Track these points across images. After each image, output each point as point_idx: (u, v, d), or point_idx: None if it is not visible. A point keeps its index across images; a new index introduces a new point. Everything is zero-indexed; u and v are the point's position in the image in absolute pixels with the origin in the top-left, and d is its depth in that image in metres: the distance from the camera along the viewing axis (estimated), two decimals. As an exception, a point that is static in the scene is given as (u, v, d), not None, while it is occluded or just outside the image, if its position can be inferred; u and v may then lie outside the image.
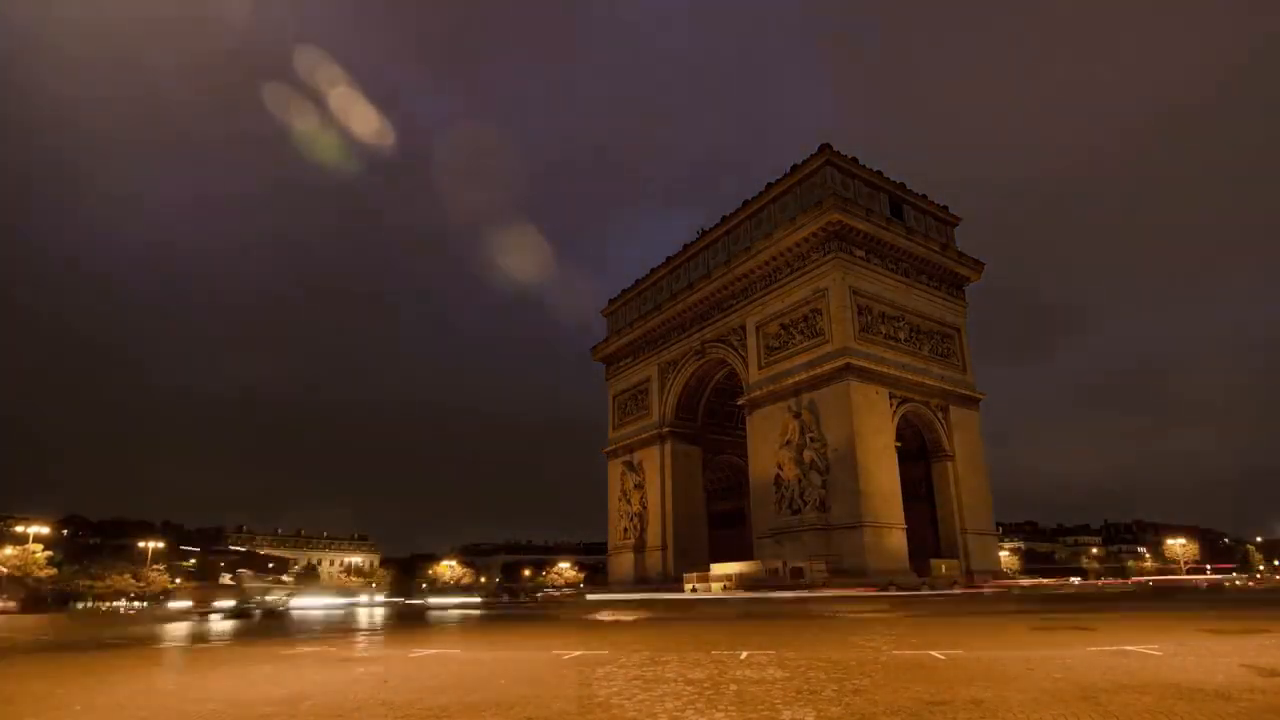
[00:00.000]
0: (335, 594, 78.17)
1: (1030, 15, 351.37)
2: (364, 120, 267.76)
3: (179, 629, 28.42)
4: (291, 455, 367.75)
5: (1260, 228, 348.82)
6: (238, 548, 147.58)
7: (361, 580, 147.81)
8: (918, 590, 52.58)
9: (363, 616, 38.26)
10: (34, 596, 71.23)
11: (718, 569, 64.79)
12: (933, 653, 12.52)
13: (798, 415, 64.68)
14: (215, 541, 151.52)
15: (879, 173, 71.63)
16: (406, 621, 32.42)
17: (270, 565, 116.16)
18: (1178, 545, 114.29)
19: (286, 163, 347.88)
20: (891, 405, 64.42)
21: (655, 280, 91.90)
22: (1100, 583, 72.04)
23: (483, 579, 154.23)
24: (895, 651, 13.00)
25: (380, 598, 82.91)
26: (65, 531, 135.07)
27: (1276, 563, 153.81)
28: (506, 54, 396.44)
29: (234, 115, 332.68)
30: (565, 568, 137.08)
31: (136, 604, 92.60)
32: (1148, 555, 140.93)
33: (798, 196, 70.12)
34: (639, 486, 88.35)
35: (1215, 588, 62.34)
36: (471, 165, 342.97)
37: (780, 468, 65.69)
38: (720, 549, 79.75)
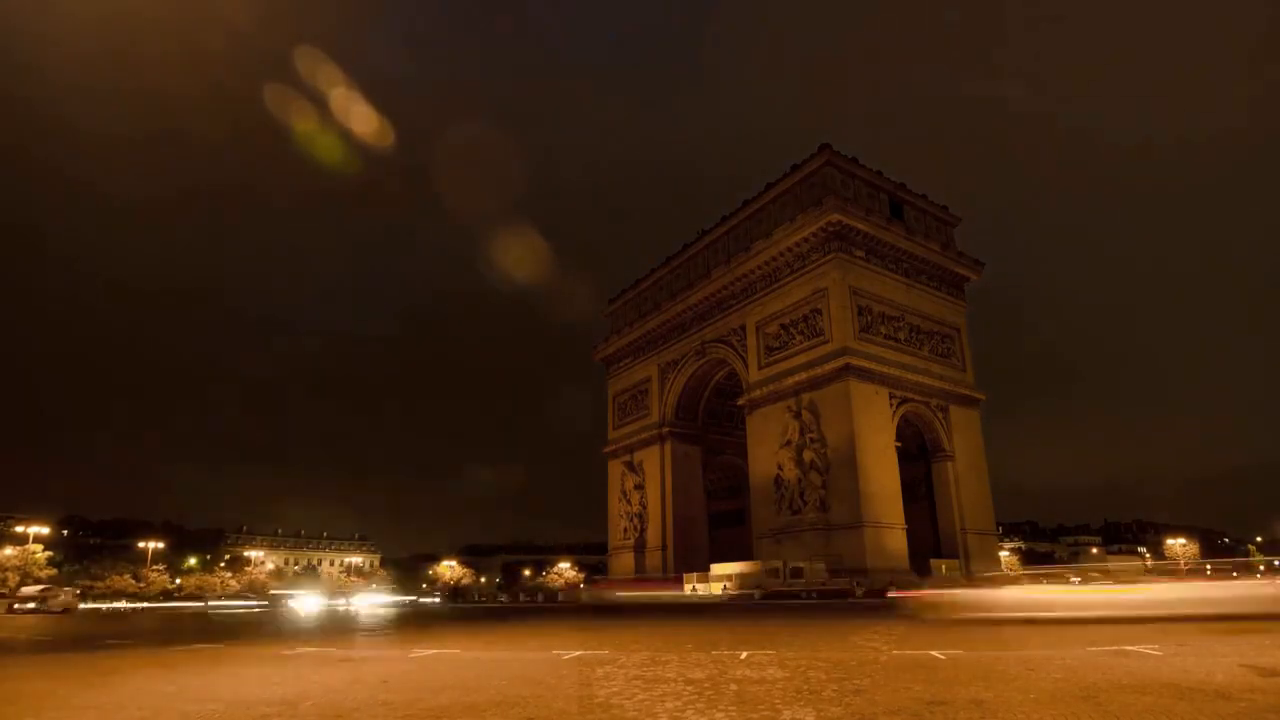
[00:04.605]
0: None
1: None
2: (367, 120, 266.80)
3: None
4: (292, 455, 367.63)
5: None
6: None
7: (361, 580, 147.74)
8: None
9: None
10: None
11: (718, 569, 64.70)
12: (933, 653, 12.53)
13: (798, 415, 64.62)
14: (216, 542, 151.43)
15: (879, 172, 71.59)
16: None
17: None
18: (1178, 545, 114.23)
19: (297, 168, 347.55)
20: (891, 405, 64.37)
21: (655, 280, 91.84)
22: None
23: (482, 579, 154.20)
24: (895, 651, 13.01)
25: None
26: (65, 531, 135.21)
27: (1277, 563, 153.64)
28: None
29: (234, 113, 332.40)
30: (565, 568, 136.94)
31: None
32: (1148, 555, 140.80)
33: (797, 196, 70.08)
34: (639, 487, 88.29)
35: None
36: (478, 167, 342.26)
37: (780, 468, 65.65)
38: (720, 549, 79.70)
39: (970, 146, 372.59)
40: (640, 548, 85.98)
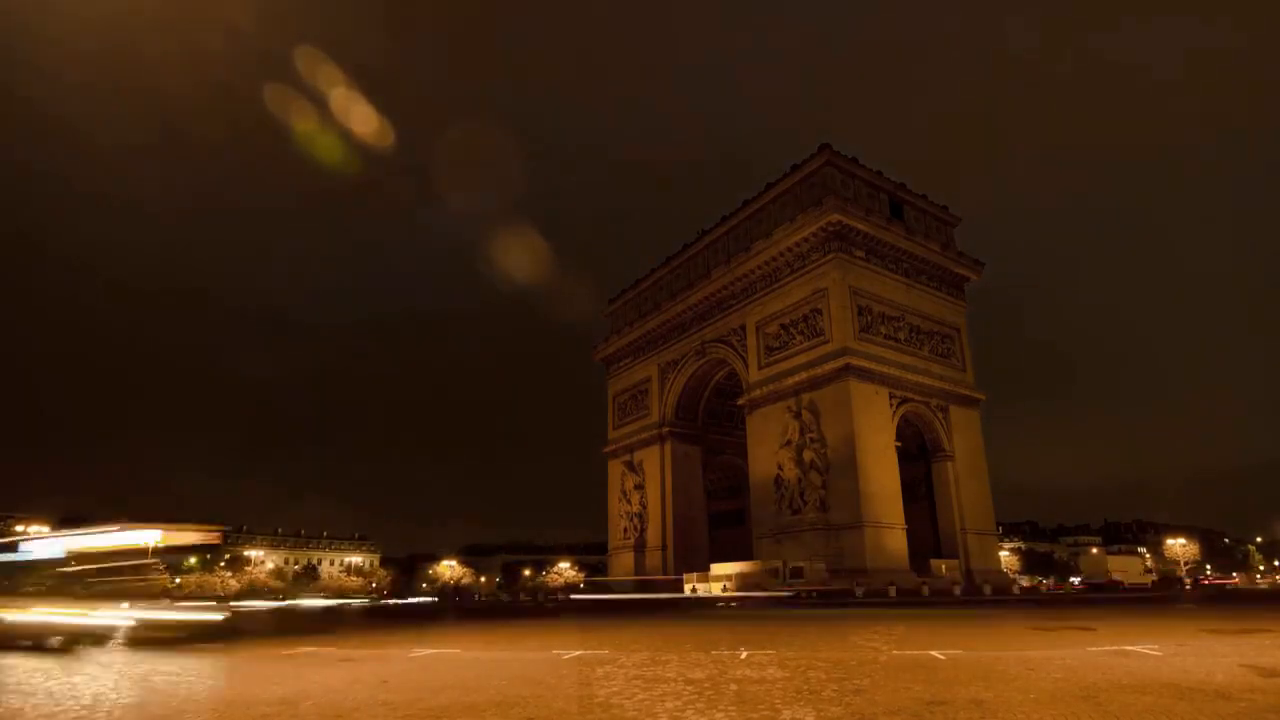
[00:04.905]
0: None
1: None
2: (367, 120, 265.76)
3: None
4: (292, 455, 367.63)
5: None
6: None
7: (362, 580, 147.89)
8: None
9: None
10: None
11: (718, 569, 64.74)
12: (933, 653, 12.54)
13: (798, 415, 64.63)
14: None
15: (879, 172, 71.59)
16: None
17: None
18: (1178, 545, 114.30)
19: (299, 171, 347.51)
20: (891, 405, 64.37)
21: (655, 280, 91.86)
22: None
23: (482, 579, 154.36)
24: (895, 651, 13.02)
25: None
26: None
27: (1277, 563, 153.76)
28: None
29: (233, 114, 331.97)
30: (565, 567, 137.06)
31: None
32: (1148, 555, 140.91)
33: (797, 196, 70.09)
34: (639, 487, 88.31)
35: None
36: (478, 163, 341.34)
37: (780, 468, 65.65)
38: (720, 549, 79.68)
39: (970, 144, 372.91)
40: (640, 548, 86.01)
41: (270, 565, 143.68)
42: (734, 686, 9.23)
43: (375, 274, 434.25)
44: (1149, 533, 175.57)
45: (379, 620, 37.74)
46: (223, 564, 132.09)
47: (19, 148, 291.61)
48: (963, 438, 69.00)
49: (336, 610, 60.30)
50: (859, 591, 50.49)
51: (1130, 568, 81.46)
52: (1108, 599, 50.67)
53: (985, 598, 54.46)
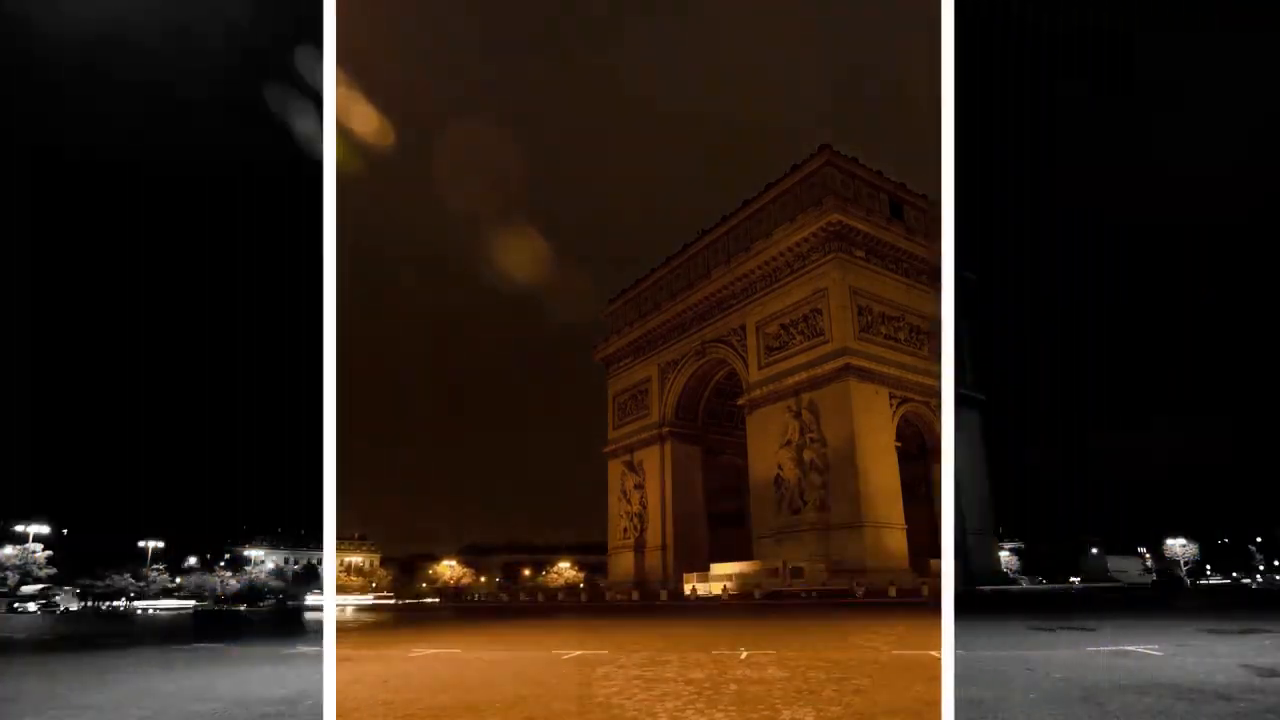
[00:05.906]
0: None
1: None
2: (366, 119, 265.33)
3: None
4: (291, 454, 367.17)
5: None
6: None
7: (362, 580, 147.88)
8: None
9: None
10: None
11: (717, 569, 64.76)
12: (933, 653, 12.53)
13: (798, 415, 64.62)
14: (216, 541, 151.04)
15: (879, 173, 71.54)
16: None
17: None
18: (1177, 545, 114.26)
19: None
20: (891, 405, 64.35)
21: (655, 280, 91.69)
22: None
23: (482, 579, 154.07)
24: (895, 652, 13.02)
25: None
26: (65, 531, 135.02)
27: (1276, 563, 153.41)
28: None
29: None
30: (565, 567, 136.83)
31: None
32: (1148, 555, 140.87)
33: (797, 196, 70.03)
34: (639, 486, 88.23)
35: None
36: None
37: (780, 468, 65.63)
38: (720, 549, 79.52)
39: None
40: (640, 548, 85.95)
41: (270, 565, 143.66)
42: (734, 686, 9.22)
43: (372, 271, 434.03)
44: (1148, 532, 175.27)
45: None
46: (222, 564, 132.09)
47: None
48: (963, 437, 68.97)
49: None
50: (859, 591, 50.43)
51: (1129, 568, 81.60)
52: (1108, 599, 50.71)
53: (985, 597, 54.47)
